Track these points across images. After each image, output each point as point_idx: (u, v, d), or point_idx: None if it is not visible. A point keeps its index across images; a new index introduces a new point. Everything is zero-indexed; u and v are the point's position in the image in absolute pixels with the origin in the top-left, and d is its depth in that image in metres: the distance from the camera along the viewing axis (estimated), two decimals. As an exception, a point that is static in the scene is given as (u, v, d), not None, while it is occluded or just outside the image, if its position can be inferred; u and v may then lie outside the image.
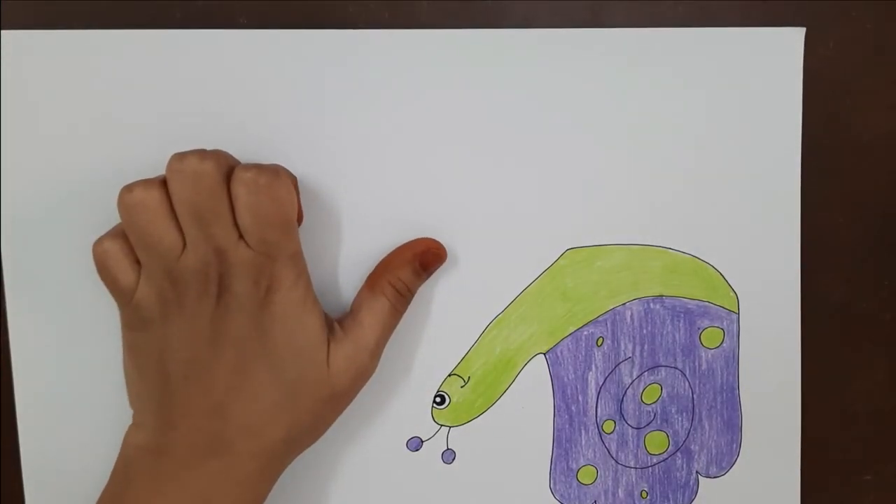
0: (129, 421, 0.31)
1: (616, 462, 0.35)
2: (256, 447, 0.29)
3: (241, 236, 0.29)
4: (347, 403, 0.32)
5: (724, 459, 0.36)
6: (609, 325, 0.35)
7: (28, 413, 0.33)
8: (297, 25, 0.32)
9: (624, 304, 0.35)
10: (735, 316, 0.35)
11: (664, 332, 0.35)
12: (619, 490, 0.35)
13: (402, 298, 0.32)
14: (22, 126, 0.32)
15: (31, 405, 0.33)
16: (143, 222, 0.28)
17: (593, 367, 0.35)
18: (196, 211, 0.28)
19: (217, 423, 0.29)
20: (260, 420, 0.29)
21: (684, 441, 0.35)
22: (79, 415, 0.33)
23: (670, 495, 0.36)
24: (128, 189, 0.28)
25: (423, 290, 0.33)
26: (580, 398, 0.35)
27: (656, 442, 0.35)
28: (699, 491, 0.36)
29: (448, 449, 0.34)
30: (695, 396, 0.35)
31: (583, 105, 0.33)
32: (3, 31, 0.31)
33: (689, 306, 0.35)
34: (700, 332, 0.35)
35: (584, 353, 0.35)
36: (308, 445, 0.31)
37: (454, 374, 0.34)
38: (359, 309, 0.31)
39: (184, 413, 0.29)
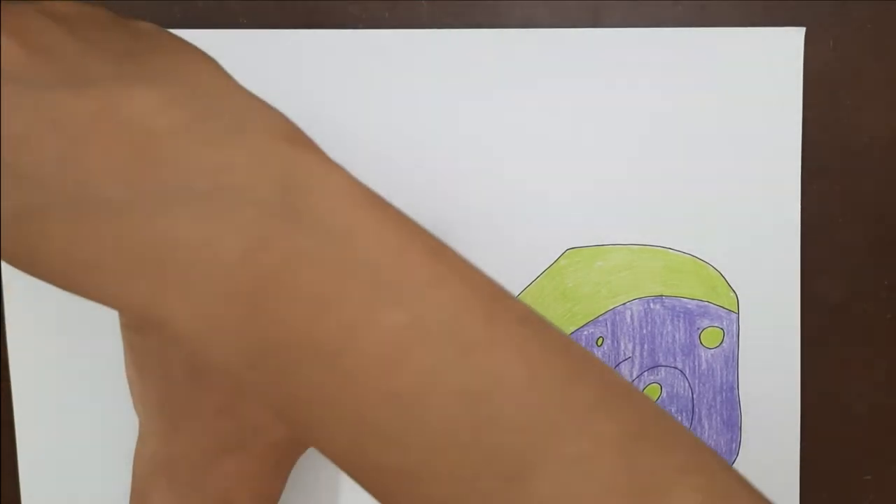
0: (129, 422, 0.31)
1: (616, 462, 0.35)
2: (267, 444, 0.29)
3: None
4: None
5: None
6: (609, 324, 0.35)
7: (26, 415, 0.33)
8: (297, 25, 0.32)
9: (624, 304, 0.35)
10: (735, 316, 0.35)
11: (664, 332, 0.35)
12: (619, 490, 0.35)
13: None
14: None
15: (28, 407, 0.33)
16: None
17: (593, 366, 0.35)
18: None
19: (226, 424, 0.29)
20: (268, 419, 0.29)
21: (684, 441, 0.35)
22: (77, 417, 0.33)
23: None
24: None
25: (423, 290, 0.33)
26: (580, 398, 0.35)
27: (656, 442, 0.35)
28: (699, 491, 0.36)
29: (448, 449, 0.34)
30: (694, 396, 0.35)
31: (583, 105, 0.33)
32: (3, 31, 0.31)
33: (689, 306, 0.35)
34: (700, 331, 0.35)
35: (583, 353, 0.35)
36: None
37: (454, 374, 0.34)
38: None
39: (191, 414, 0.29)
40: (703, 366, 0.35)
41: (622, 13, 0.33)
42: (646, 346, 0.35)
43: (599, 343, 0.35)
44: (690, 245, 0.34)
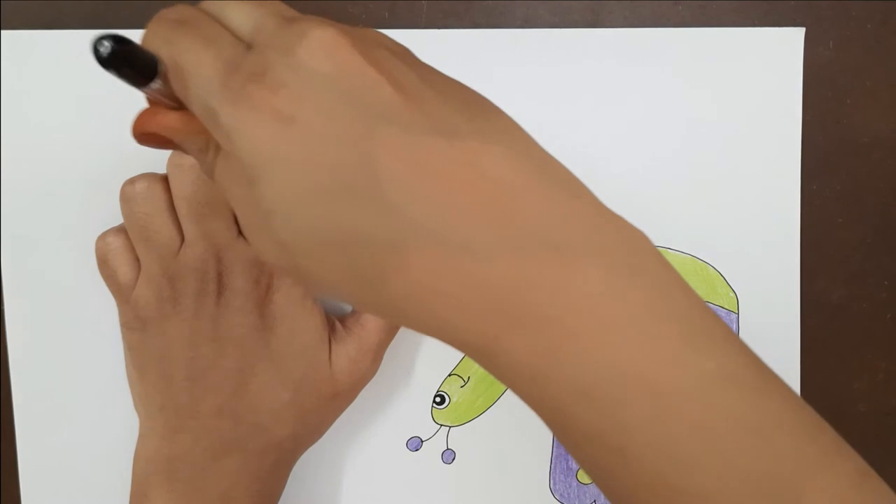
0: (129, 422, 0.31)
1: (616, 462, 0.35)
2: (267, 444, 0.29)
3: (240, 233, 0.29)
4: (350, 402, 0.32)
5: (723, 459, 0.36)
6: (609, 325, 0.34)
7: (26, 414, 0.33)
8: (297, 25, 0.32)
9: (624, 304, 0.34)
10: (735, 316, 0.35)
11: (664, 332, 0.35)
12: (619, 490, 0.35)
13: None
14: (22, 126, 0.32)
15: (28, 406, 0.33)
16: (142, 215, 0.28)
17: (593, 367, 0.35)
18: (196, 206, 0.28)
19: (226, 423, 0.29)
20: (268, 418, 0.29)
21: (684, 441, 0.35)
22: (77, 416, 0.33)
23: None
24: (130, 182, 0.29)
25: (423, 290, 0.33)
26: (580, 398, 0.35)
27: (656, 442, 0.35)
28: (699, 491, 0.36)
29: (448, 449, 0.34)
30: (695, 396, 0.35)
31: (583, 105, 0.33)
32: (3, 31, 0.31)
33: (689, 306, 0.35)
34: (700, 332, 0.35)
35: (583, 353, 0.35)
36: (315, 441, 0.32)
37: (454, 374, 0.34)
38: None
39: (191, 414, 0.29)
40: (703, 366, 0.35)
41: (622, 13, 0.33)
42: (646, 346, 0.35)
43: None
44: (690, 245, 0.34)
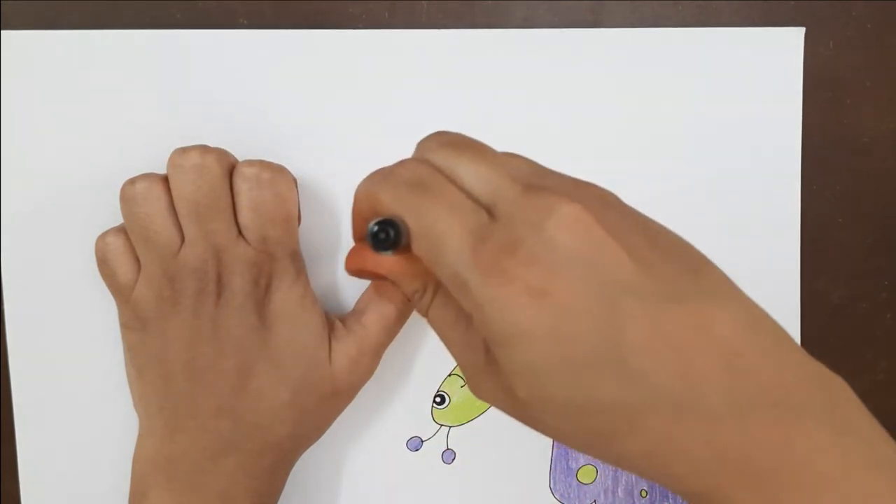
0: (129, 422, 0.31)
1: (616, 462, 0.35)
2: (266, 444, 0.29)
3: (240, 233, 0.29)
4: (349, 401, 0.32)
5: (723, 459, 0.36)
6: (609, 325, 0.34)
7: (26, 415, 0.33)
8: (297, 25, 0.32)
9: (624, 304, 0.34)
10: (735, 316, 0.35)
11: (664, 332, 0.35)
12: (619, 489, 0.35)
13: (411, 304, 0.32)
14: (22, 126, 0.32)
15: (28, 406, 0.33)
16: (142, 215, 0.28)
17: (593, 366, 0.35)
18: (196, 207, 0.28)
19: (225, 424, 0.29)
20: (267, 418, 0.29)
21: (684, 441, 0.35)
22: (77, 416, 0.33)
23: (670, 494, 0.36)
24: (130, 182, 0.29)
25: (423, 290, 0.33)
26: (580, 398, 0.35)
27: (656, 442, 0.35)
28: (699, 491, 0.36)
29: (448, 449, 0.34)
30: (695, 396, 0.35)
31: (583, 105, 0.33)
32: (3, 31, 0.31)
33: (689, 306, 0.35)
34: (700, 332, 0.35)
35: (584, 353, 0.34)
36: (314, 440, 0.32)
37: (454, 374, 0.34)
38: (364, 310, 0.31)
39: (190, 414, 0.29)
40: (703, 366, 0.35)
41: (622, 13, 0.33)
42: (646, 346, 0.35)
43: (599, 343, 0.35)
44: (690, 245, 0.34)
